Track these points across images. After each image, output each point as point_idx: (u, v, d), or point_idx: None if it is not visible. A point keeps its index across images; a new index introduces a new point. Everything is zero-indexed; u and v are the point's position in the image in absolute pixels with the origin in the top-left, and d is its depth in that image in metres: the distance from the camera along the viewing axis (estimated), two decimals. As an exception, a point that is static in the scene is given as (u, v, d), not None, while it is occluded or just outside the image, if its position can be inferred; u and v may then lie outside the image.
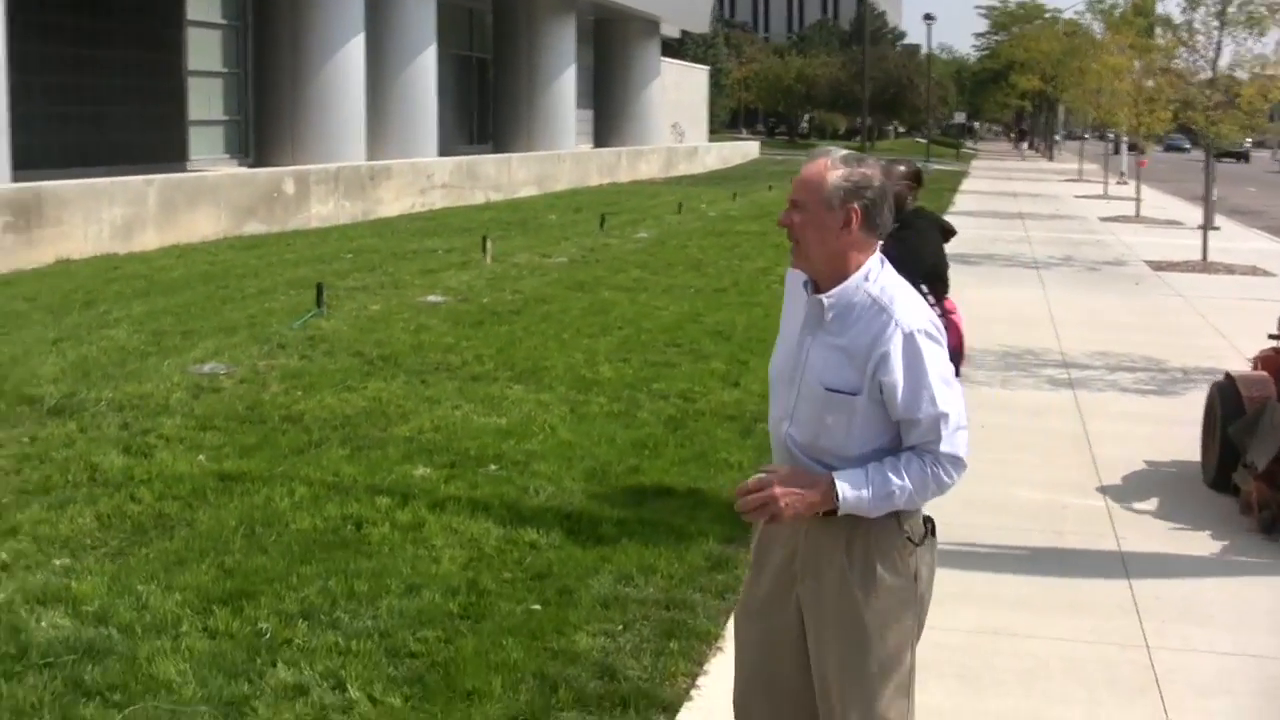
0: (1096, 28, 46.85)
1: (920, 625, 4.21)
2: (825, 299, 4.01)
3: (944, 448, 3.97)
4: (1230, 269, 24.13)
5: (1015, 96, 79.67)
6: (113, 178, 22.31)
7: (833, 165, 4.03)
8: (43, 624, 6.35)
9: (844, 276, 4.02)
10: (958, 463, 4.00)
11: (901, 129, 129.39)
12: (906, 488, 3.95)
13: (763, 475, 4.02)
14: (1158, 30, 35.64)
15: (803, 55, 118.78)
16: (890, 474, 3.95)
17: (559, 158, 43.65)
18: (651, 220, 29.90)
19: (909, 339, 3.93)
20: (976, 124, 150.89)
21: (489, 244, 21.51)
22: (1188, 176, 58.37)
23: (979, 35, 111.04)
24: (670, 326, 15.35)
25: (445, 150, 37.34)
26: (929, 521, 4.16)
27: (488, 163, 37.89)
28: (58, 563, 7.21)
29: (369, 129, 32.47)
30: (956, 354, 8.73)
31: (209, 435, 9.98)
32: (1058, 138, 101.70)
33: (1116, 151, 56.00)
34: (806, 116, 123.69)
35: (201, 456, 9.34)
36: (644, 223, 28.05)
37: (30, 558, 7.29)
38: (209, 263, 20.18)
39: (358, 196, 29.56)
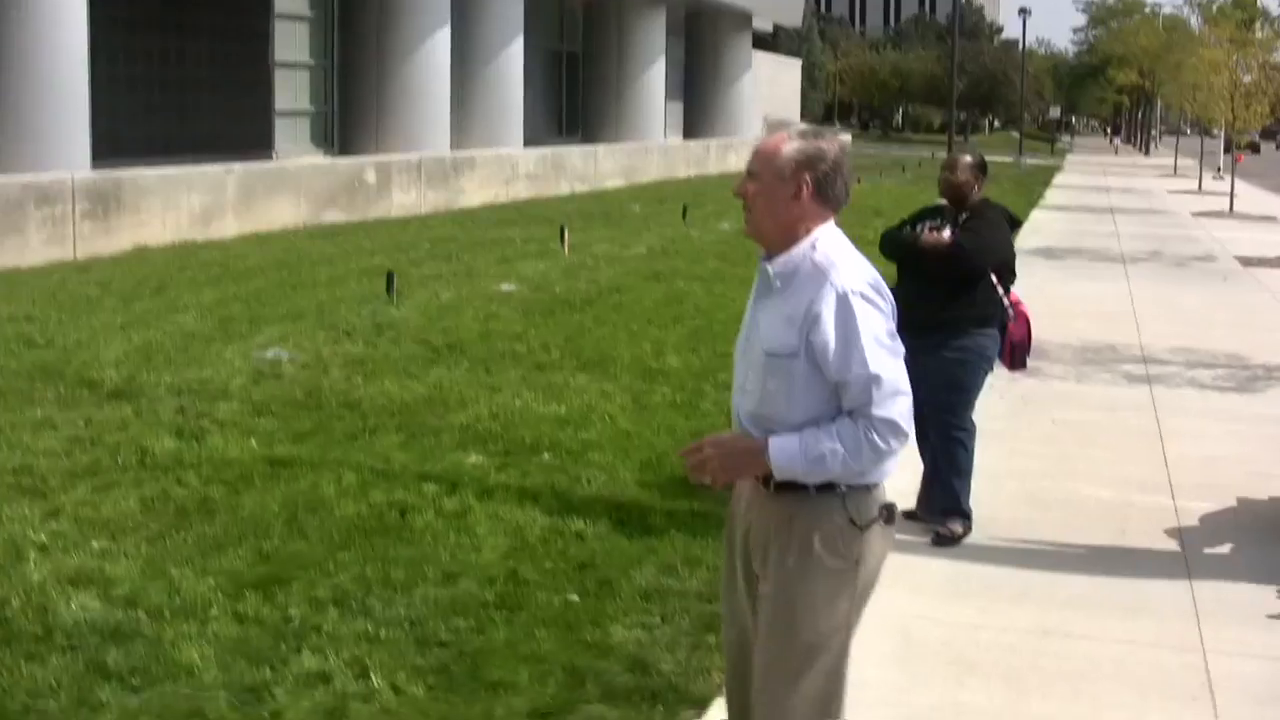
0: (1194, 21, 46.23)
1: (858, 612, 4.13)
2: (770, 266, 4.04)
3: (876, 410, 3.88)
4: (1324, 265, 23.62)
5: (1112, 91, 78.81)
6: (191, 167, 22.37)
7: (790, 137, 4.05)
8: (72, 606, 6.28)
9: (794, 244, 4.01)
10: (894, 428, 3.90)
11: (997, 123, 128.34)
12: (838, 450, 3.87)
13: (698, 442, 4.06)
14: (1257, 24, 35.10)
15: (898, 50, 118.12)
16: (823, 436, 3.89)
17: (646, 149, 43.49)
18: (735, 212, 29.47)
19: (842, 299, 3.89)
20: (1073, 119, 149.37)
21: (567, 234, 21.39)
22: (1287, 173, 57.39)
23: (1077, 30, 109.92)
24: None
25: (534, 142, 37.28)
26: (887, 509, 4.09)
27: (574, 154, 37.79)
28: (95, 545, 7.14)
29: (454, 120, 32.42)
30: (1024, 346, 8.53)
31: (264, 420, 9.91)
32: (1155, 133, 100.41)
33: (1228, 150, 55.28)
34: (901, 110, 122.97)
35: (253, 441, 9.27)
36: (728, 215, 27.79)
37: (69, 539, 7.22)
38: (285, 250, 20.19)
39: (440, 187, 29.54)
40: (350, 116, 31.59)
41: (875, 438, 3.87)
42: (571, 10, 46.89)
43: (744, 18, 55.84)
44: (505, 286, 16.93)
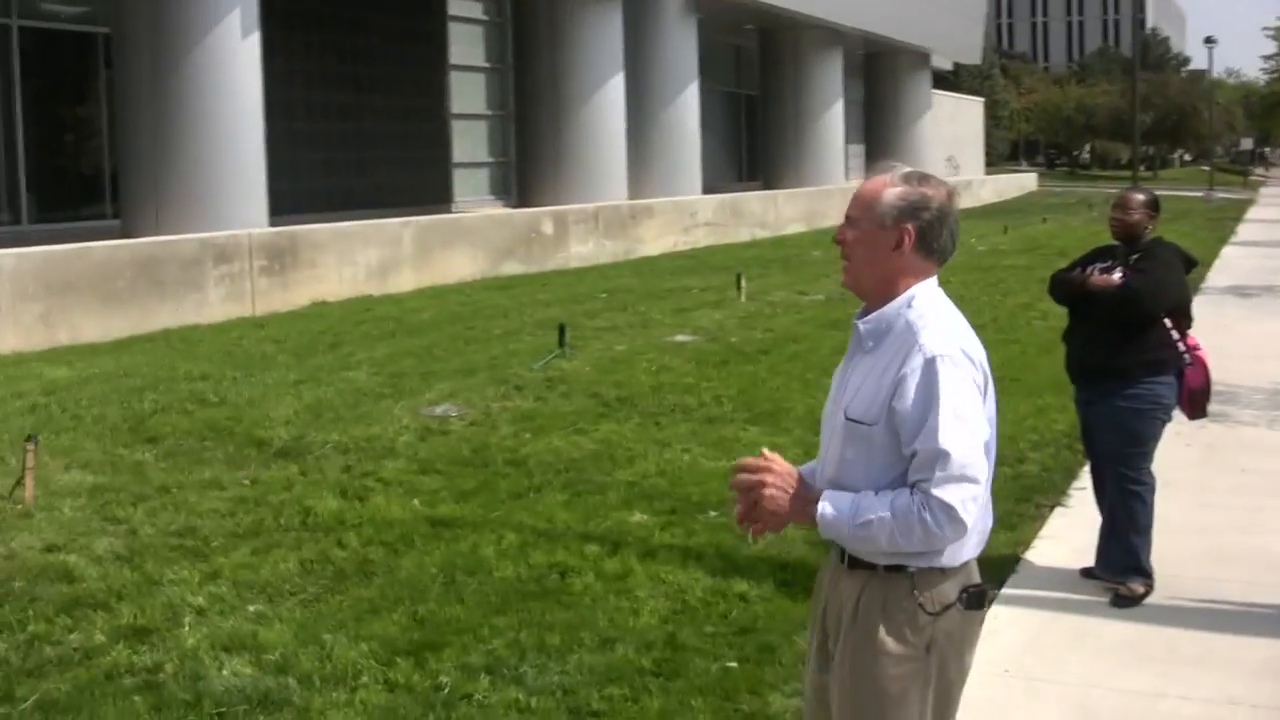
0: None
1: (945, 711, 3.76)
2: (862, 324, 3.76)
3: (935, 490, 3.52)
4: None
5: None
6: (367, 221, 22.60)
7: (892, 182, 3.73)
8: (224, 672, 6.22)
9: (890, 300, 3.72)
10: (951, 514, 3.53)
11: (1188, 157, 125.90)
12: (886, 520, 3.54)
13: (765, 459, 3.76)
14: None
15: (1083, 84, 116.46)
16: (875, 501, 3.58)
17: (827, 193, 43.19)
18: (915, 255, 29.22)
19: (929, 364, 3.58)
20: (1266, 150, 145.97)
21: (743, 281, 21.22)
22: None
23: (1267, 58, 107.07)
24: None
25: (713, 187, 37.23)
26: (970, 592, 3.72)
27: (753, 199, 37.66)
28: (251, 609, 7.10)
29: (631, 168, 32.47)
30: (1203, 393, 8.13)
31: (428, 479, 9.84)
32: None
33: None
34: (1087, 146, 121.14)
35: (416, 501, 9.19)
36: (907, 258, 27.47)
37: (226, 603, 7.19)
38: (460, 303, 20.27)
39: (618, 235, 29.56)
40: (528, 166, 31.79)
41: (929, 518, 3.53)
42: (747, 53, 46.86)
43: (922, 57, 55.45)
44: (679, 337, 16.80)
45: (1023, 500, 9.44)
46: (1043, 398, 12.64)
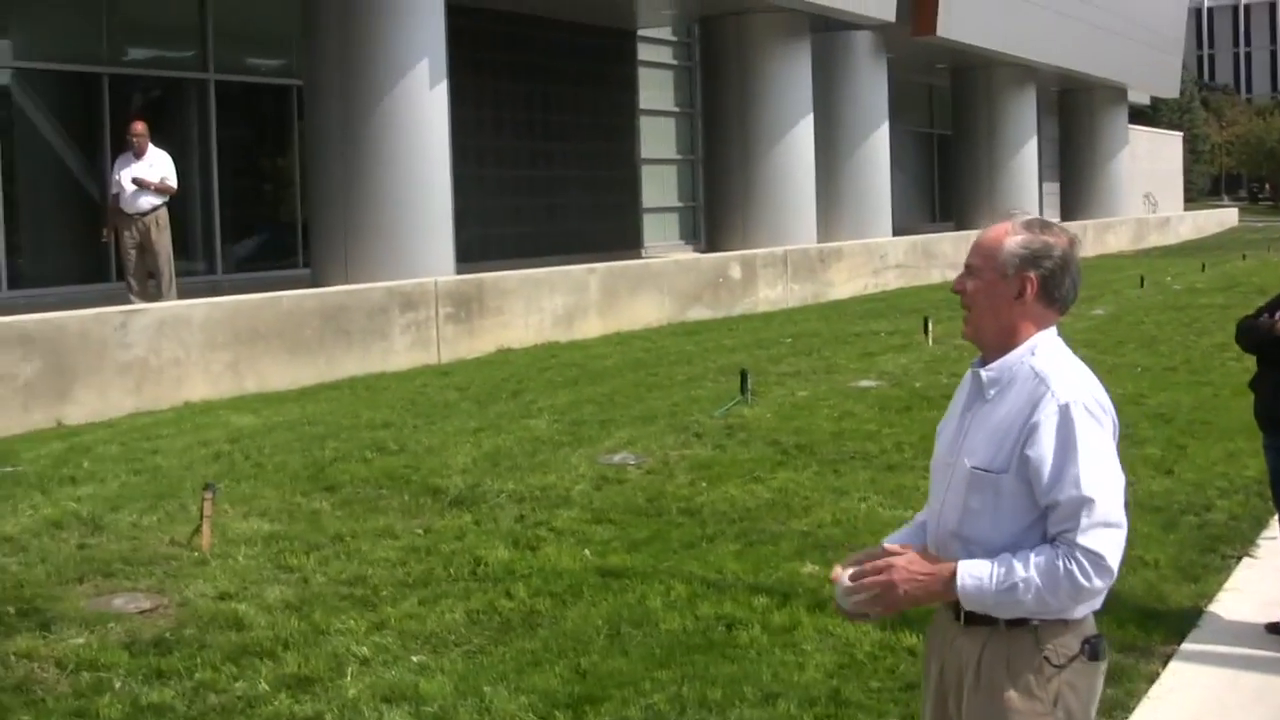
0: None
1: None
2: (984, 372, 3.69)
3: (1081, 539, 3.45)
4: None
5: None
6: (553, 267, 22.73)
7: (1013, 230, 3.69)
8: (382, 725, 6.22)
9: (1011, 350, 3.66)
10: (1099, 562, 3.46)
11: None
12: (1032, 581, 3.46)
13: (886, 553, 3.69)
14: None
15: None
16: (1017, 563, 3.49)
17: (1021, 233, 42.55)
18: (1110, 295, 28.70)
19: (1064, 411, 3.52)
20: None
21: (930, 325, 20.96)
22: None
23: None
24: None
25: (905, 229, 36.93)
26: (1091, 643, 3.65)
27: (944, 241, 37.24)
28: (415, 659, 7.11)
29: (820, 210, 32.29)
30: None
31: (601, 529, 9.80)
32: None
33: None
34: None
35: (586, 551, 9.16)
36: (1102, 298, 26.93)
37: (390, 653, 7.21)
38: (644, 349, 20.27)
39: (807, 279, 29.39)
40: (716, 210, 31.76)
41: (1076, 571, 3.47)
42: (939, 91, 46.47)
43: (1118, 92, 54.48)
44: (863, 382, 16.61)
45: (1208, 550, 9.14)
46: (1234, 442, 12.26)
